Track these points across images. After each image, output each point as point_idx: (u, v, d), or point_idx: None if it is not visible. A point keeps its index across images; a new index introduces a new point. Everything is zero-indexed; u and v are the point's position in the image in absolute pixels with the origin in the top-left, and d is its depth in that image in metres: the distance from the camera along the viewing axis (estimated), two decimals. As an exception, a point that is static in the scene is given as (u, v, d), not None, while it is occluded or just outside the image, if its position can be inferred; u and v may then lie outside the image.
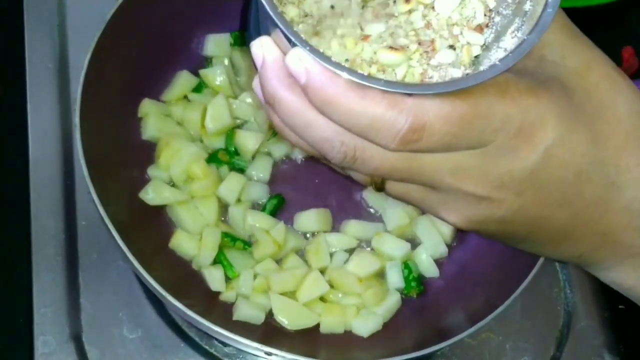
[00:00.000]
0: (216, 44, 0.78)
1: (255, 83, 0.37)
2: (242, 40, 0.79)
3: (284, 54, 0.34)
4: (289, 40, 0.33)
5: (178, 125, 0.74)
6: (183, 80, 0.76)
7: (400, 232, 0.73)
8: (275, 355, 0.58)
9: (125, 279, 0.71)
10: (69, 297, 0.69)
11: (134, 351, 0.68)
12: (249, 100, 0.76)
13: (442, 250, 0.73)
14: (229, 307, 0.67)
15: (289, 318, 0.67)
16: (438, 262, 0.73)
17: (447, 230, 0.73)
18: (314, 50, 0.32)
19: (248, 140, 0.74)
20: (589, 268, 0.43)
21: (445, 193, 0.36)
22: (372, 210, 0.75)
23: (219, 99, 0.74)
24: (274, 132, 0.75)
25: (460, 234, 0.74)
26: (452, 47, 0.36)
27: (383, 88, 0.32)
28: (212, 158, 0.73)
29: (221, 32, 0.78)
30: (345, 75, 0.32)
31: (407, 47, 0.35)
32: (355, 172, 0.37)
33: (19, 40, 0.79)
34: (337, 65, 0.32)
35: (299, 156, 0.76)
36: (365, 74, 0.34)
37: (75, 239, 0.72)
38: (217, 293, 0.68)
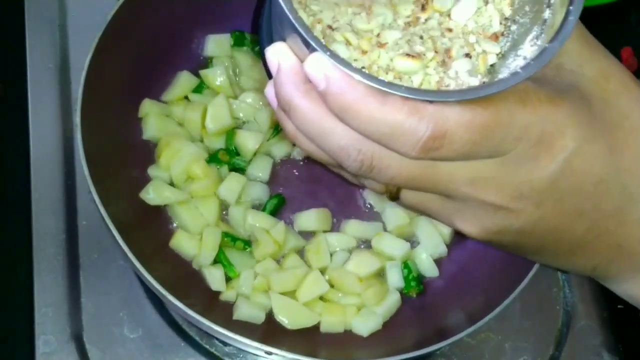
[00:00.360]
0: (216, 44, 0.78)
1: (268, 89, 0.37)
2: (243, 41, 0.79)
3: (300, 60, 0.34)
4: (307, 45, 0.33)
5: (178, 125, 0.74)
6: (183, 81, 0.76)
7: (400, 232, 0.73)
8: (276, 354, 0.58)
9: (126, 278, 0.71)
10: (69, 297, 0.69)
11: (134, 351, 0.68)
12: (249, 100, 0.76)
13: (442, 250, 0.73)
14: (229, 306, 0.67)
15: (289, 317, 0.67)
16: (438, 262, 0.73)
17: (446, 230, 0.73)
18: (334, 56, 0.32)
19: (248, 140, 0.74)
20: (603, 281, 0.43)
21: (462, 202, 0.36)
22: (371, 206, 0.75)
23: (220, 99, 0.74)
24: (274, 132, 0.76)
25: (459, 233, 0.74)
26: (468, 55, 0.36)
27: (405, 95, 0.31)
28: (213, 158, 0.73)
29: (221, 32, 0.78)
30: (366, 81, 0.31)
31: (424, 54, 0.35)
32: (370, 181, 0.37)
33: (19, 40, 0.79)
34: (358, 71, 0.32)
35: (298, 156, 0.76)
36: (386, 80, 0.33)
37: (76, 238, 0.72)
38: (218, 293, 0.68)
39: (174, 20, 0.74)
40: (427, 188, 0.35)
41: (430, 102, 0.32)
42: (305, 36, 0.32)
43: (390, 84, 0.32)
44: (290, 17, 0.32)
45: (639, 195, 0.38)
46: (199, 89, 0.76)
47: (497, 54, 0.36)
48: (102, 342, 0.68)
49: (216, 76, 0.76)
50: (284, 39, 0.35)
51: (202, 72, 0.77)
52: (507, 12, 0.37)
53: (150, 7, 0.70)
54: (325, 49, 0.32)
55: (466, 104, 0.32)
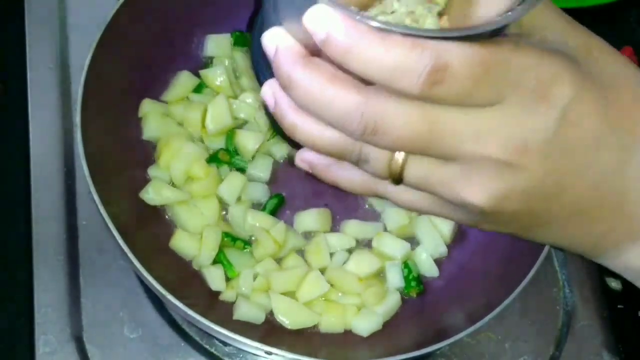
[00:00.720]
0: (216, 44, 0.78)
1: (264, 90, 0.37)
2: (243, 41, 0.79)
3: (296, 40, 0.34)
4: (302, 4, 0.33)
5: (178, 125, 0.74)
6: (183, 81, 0.76)
7: (400, 232, 0.73)
8: (276, 354, 0.58)
9: (126, 278, 0.71)
10: (69, 297, 0.69)
11: (134, 350, 0.68)
12: (249, 100, 0.76)
13: (442, 250, 0.73)
14: (229, 306, 0.67)
15: (289, 317, 0.67)
16: (438, 262, 0.73)
17: (446, 230, 0.73)
18: (332, 2, 0.32)
19: (248, 140, 0.74)
20: (604, 256, 0.42)
21: (467, 164, 0.35)
22: (371, 206, 0.75)
23: (220, 99, 0.74)
24: (274, 132, 0.76)
25: (459, 233, 0.75)
26: None
27: (404, 31, 0.32)
28: (213, 158, 0.73)
29: (221, 32, 0.78)
30: (367, 21, 0.32)
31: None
32: (373, 156, 0.36)
33: (19, 40, 0.79)
34: (357, 12, 0.32)
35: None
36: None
37: (76, 238, 0.72)
38: (218, 292, 0.68)
39: (174, 20, 0.74)
40: (431, 147, 0.35)
41: (431, 38, 0.33)
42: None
43: (390, 23, 0.32)
44: None
45: (635, 150, 0.38)
46: (199, 89, 0.76)
47: None
48: (102, 342, 0.68)
49: (216, 76, 0.76)
50: (279, 25, 0.36)
51: (202, 72, 0.77)
52: None
53: (150, 7, 0.70)
54: None
55: (464, 42, 0.33)
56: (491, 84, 0.33)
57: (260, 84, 0.39)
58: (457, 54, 0.32)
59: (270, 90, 0.37)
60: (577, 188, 0.37)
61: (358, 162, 0.37)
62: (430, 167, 0.36)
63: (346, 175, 0.39)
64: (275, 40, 0.36)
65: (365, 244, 0.74)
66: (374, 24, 0.32)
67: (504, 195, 0.36)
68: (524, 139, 0.35)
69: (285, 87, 0.35)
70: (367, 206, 0.75)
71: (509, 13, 0.34)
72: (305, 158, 0.40)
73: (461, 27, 0.34)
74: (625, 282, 0.77)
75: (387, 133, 0.34)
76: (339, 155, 0.37)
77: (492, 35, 0.34)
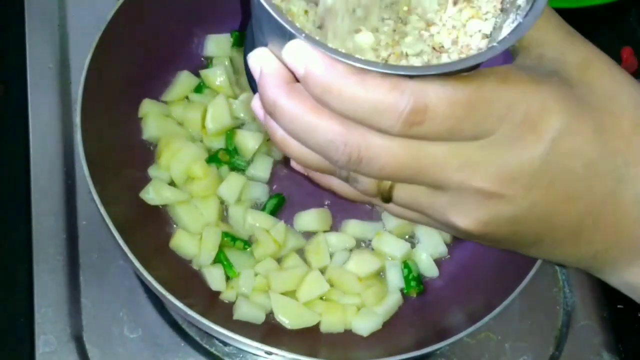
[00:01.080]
0: (216, 44, 0.78)
1: (254, 103, 0.37)
2: (243, 41, 0.79)
3: (281, 62, 0.34)
4: (284, 33, 0.33)
5: (178, 125, 0.74)
6: (183, 81, 0.76)
7: (400, 232, 0.73)
8: (276, 354, 0.58)
9: (126, 278, 0.71)
10: (69, 297, 0.69)
11: (134, 350, 0.68)
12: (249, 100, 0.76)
13: (442, 249, 0.73)
14: (229, 306, 0.67)
15: (290, 317, 0.67)
16: (437, 262, 0.73)
17: (446, 230, 0.73)
18: (309, 38, 0.32)
19: (248, 140, 0.74)
20: (601, 272, 0.42)
21: (454, 193, 0.35)
22: (371, 206, 0.75)
23: (219, 99, 0.74)
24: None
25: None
26: (455, 43, 0.36)
27: (383, 70, 0.32)
28: (212, 158, 0.73)
29: (221, 32, 0.78)
30: (344, 60, 0.32)
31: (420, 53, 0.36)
32: (361, 178, 0.36)
33: (19, 41, 0.79)
34: (335, 50, 0.32)
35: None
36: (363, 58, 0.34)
37: (76, 238, 0.72)
38: (218, 292, 0.68)
39: (174, 20, 0.74)
40: (416, 178, 0.35)
41: (410, 77, 0.32)
42: (280, 20, 0.32)
43: (367, 61, 0.32)
44: (264, 4, 0.32)
45: (631, 177, 0.37)
46: (199, 89, 0.76)
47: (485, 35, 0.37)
48: (102, 342, 0.68)
49: (216, 76, 0.76)
50: (265, 45, 0.36)
51: (202, 72, 0.77)
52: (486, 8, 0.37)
53: (150, 7, 0.70)
54: (301, 31, 0.32)
55: (447, 79, 0.32)
56: (473, 122, 0.33)
57: (252, 88, 0.39)
58: (436, 94, 0.32)
59: (259, 103, 0.37)
60: (568, 214, 0.37)
61: (348, 180, 0.37)
62: (418, 192, 0.36)
63: (340, 185, 0.39)
64: (260, 61, 0.35)
65: (365, 244, 0.74)
66: (353, 62, 0.32)
67: (490, 222, 0.36)
68: (510, 171, 0.34)
69: (269, 113, 0.35)
70: (367, 206, 0.75)
71: (492, 45, 0.33)
72: (295, 164, 0.39)
73: (442, 64, 0.34)
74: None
75: (371, 164, 0.34)
76: (329, 173, 0.37)
77: (473, 68, 0.33)
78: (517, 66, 0.35)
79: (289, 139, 0.36)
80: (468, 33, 0.37)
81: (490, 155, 0.34)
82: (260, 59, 0.35)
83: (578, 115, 0.35)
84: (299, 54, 0.33)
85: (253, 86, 0.38)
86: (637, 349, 0.75)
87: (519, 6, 0.35)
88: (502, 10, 0.37)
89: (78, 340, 0.68)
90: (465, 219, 0.36)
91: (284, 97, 0.34)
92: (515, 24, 0.35)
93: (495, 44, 0.33)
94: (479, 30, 0.37)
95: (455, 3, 0.37)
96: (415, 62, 0.36)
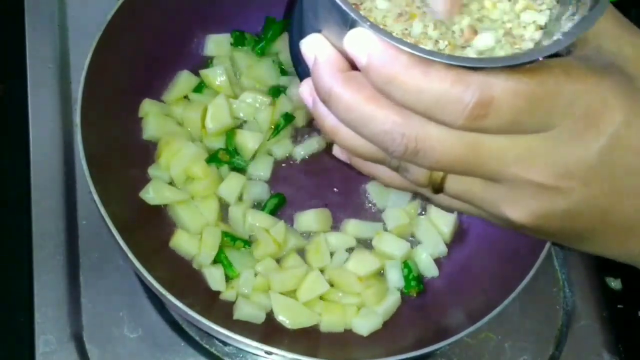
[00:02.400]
0: (216, 44, 0.78)
1: (302, 88, 0.37)
2: (243, 41, 0.79)
3: (336, 48, 0.34)
4: (345, 21, 0.32)
5: (178, 125, 0.74)
6: (183, 80, 0.76)
7: (400, 232, 0.73)
8: (276, 354, 0.58)
9: (126, 278, 0.71)
10: (69, 297, 0.69)
11: (134, 350, 0.68)
12: (249, 100, 0.76)
13: (442, 249, 0.73)
14: (229, 306, 0.67)
15: (290, 317, 0.67)
16: (438, 262, 0.73)
17: (446, 230, 0.73)
18: (374, 27, 0.31)
19: (248, 140, 0.74)
20: None
21: (509, 185, 0.35)
22: (371, 206, 0.75)
23: (220, 99, 0.74)
24: (274, 132, 0.76)
25: (459, 233, 0.75)
26: (508, 34, 0.36)
27: (448, 62, 0.31)
28: (212, 158, 0.73)
29: (221, 32, 0.78)
30: (409, 50, 0.31)
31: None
32: (412, 168, 0.36)
33: (19, 40, 0.79)
34: (400, 40, 0.31)
35: (299, 155, 0.76)
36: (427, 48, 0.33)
37: (76, 238, 0.72)
38: (218, 292, 0.68)
39: (174, 20, 0.74)
40: (472, 170, 0.34)
41: (475, 69, 0.32)
42: (344, 7, 0.31)
43: (433, 52, 0.31)
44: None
45: None
46: (199, 88, 0.76)
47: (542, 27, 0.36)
48: (102, 342, 0.68)
49: (216, 76, 0.76)
50: (318, 31, 0.35)
51: (202, 72, 0.77)
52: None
53: (150, 7, 0.70)
54: (365, 19, 0.31)
55: (512, 72, 0.32)
56: (537, 115, 0.32)
57: (298, 74, 0.38)
58: (502, 87, 0.31)
59: (308, 88, 0.36)
60: (623, 209, 0.37)
61: (398, 169, 0.37)
62: (471, 184, 0.36)
63: (386, 173, 0.38)
64: (315, 49, 0.35)
65: (365, 244, 0.74)
66: (418, 53, 0.31)
67: (545, 215, 0.36)
68: (568, 164, 0.34)
69: (324, 101, 0.35)
70: (367, 206, 0.75)
71: (558, 38, 0.32)
72: (339, 151, 0.39)
73: (508, 56, 0.33)
74: (625, 282, 0.78)
75: (427, 156, 0.34)
76: (379, 162, 0.37)
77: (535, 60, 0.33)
78: (577, 58, 0.35)
79: (340, 127, 0.35)
80: (522, 24, 0.36)
81: (549, 148, 0.34)
82: (314, 46, 0.35)
83: (638, 110, 0.35)
84: (362, 42, 0.32)
85: (299, 71, 0.37)
86: (637, 349, 0.75)
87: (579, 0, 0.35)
88: (558, 1, 0.37)
89: (78, 340, 0.68)
90: (519, 211, 0.36)
91: (340, 86, 0.33)
92: (577, 17, 0.34)
93: (560, 36, 0.32)
94: (534, 22, 0.36)
95: None
96: (483, 42, 0.35)
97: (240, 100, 0.76)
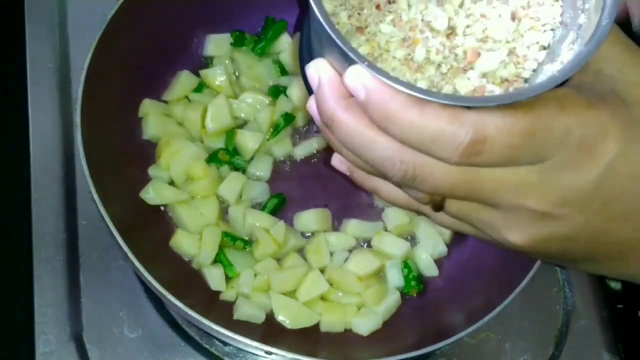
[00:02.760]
0: (216, 44, 0.78)
1: (310, 104, 0.38)
2: (243, 41, 0.79)
3: (340, 74, 0.34)
4: (345, 57, 0.33)
5: (178, 125, 0.74)
6: (184, 80, 0.76)
7: (400, 231, 0.73)
8: (276, 354, 0.58)
9: (126, 278, 0.71)
10: (69, 297, 0.69)
11: (134, 350, 0.68)
12: (249, 100, 0.76)
13: (442, 249, 0.73)
14: (229, 306, 0.67)
15: (290, 317, 0.67)
16: (438, 262, 0.73)
17: (446, 230, 0.73)
18: (372, 66, 0.32)
19: (248, 140, 0.74)
20: None
21: (507, 211, 0.36)
22: (371, 206, 0.75)
23: (220, 99, 0.74)
24: (274, 132, 0.76)
25: (459, 233, 0.75)
26: (512, 53, 0.36)
27: (443, 102, 0.32)
28: (212, 158, 0.73)
29: (221, 32, 0.78)
30: (405, 90, 0.32)
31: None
32: (414, 190, 0.37)
33: (19, 40, 0.79)
34: (396, 80, 0.32)
35: (299, 155, 0.76)
36: (424, 87, 0.34)
37: (76, 238, 0.72)
38: (218, 292, 0.68)
39: (174, 20, 0.74)
40: (470, 196, 0.35)
41: (469, 108, 0.32)
42: (344, 47, 0.33)
43: (428, 92, 0.32)
44: (327, 29, 0.33)
45: None
46: (199, 88, 0.76)
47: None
48: (102, 342, 0.68)
49: (216, 76, 0.76)
50: (323, 56, 0.36)
51: (202, 72, 0.77)
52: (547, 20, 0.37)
53: (150, 7, 0.70)
54: (363, 59, 0.32)
55: (506, 109, 0.32)
56: (531, 149, 0.33)
57: (307, 90, 0.38)
58: (496, 125, 0.32)
59: (315, 104, 0.37)
60: (622, 231, 0.37)
61: (401, 185, 0.37)
62: (470, 207, 0.37)
63: (387, 188, 0.39)
64: (319, 72, 0.35)
65: (365, 244, 0.74)
66: (414, 93, 0.32)
67: (543, 240, 0.37)
68: (563, 193, 0.35)
69: (327, 125, 0.36)
70: (367, 206, 0.75)
71: (553, 75, 0.33)
72: (339, 163, 0.40)
73: (502, 94, 0.34)
74: (625, 282, 0.78)
75: (426, 182, 0.34)
76: (382, 177, 0.37)
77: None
78: (574, 87, 0.35)
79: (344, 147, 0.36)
80: (525, 44, 0.37)
81: (544, 178, 0.34)
82: (318, 70, 0.36)
83: (634, 137, 0.35)
84: (360, 80, 0.33)
85: (308, 87, 0.38)
86: (638, 349, 0.75)
87: (580, 25, 0.35)
88: (561, 23, 0.37)
89: (78, 340, 0.68)
90: (517, 235, 0.36)
91: (342, 112, 0.34)
92: (576, 45, 0.35)
93: (556, 72, 0.33)
94: (537, 42, 0.37)
95: (513, 18, 0.37)
96: (486, 60, 0.36)
97: (240, 100, 0.76)
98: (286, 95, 0.77)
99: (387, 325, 0.69)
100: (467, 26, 0.37)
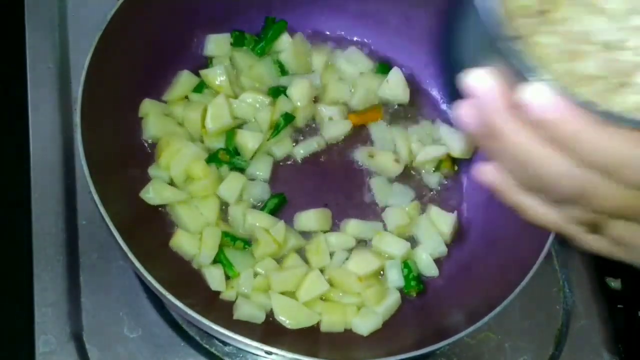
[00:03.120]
0: (216, 44, 0.78)
1: (465, 111, 0.35)
2: (243, 41, 0.79)
3: (506, 82, 0.33)
4: (519, 72, 0.31)
5: (178, 125, 0.74)
6: (184, 80, 0.76)
7: (400, 232, 0.73)
8: (276, 354, 0.58)
9: (126, 278, 0.71)
10: (69, 297, 0.69)
11: (134, 350, 0.68)
12: (249, 100, 0.76)
13: (442, 249, 0.73)
14: (229, 306, 0.67)
15: (290, 317, 0.67)
16: (438, 262, 0.73)
17: (446, 230, 0.73)
18: (554, 84, 0.31)
19: (248, 140, 0.74)
20: None
21: None
22: (371, 206, 0.75)
23: (220, 99, 0.74)
24: (274, 132, 0.76)
25: (459, 233, 0.75)
26: None
27: (634, 126, 0.30)
28: (212, 158, 0.73)
29: (221, 32, 0.78)
30: (592, 111, 0.30)
31: None
32: (572, 209, 0.35)
33: (19, 41, 0.79)
34: (581, 101, 0.31)
35: (299, 155, 0.76)
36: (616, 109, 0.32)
37: (76, 238, 0.72)
38: (218, 292, 0.68)
39: (174, 20, 0.74)
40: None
41: None
42: (523, 66, 0.31)
43: (622, 116, 0.30)
44: (508, 43, 0.31)
45: None
46: (199, 88, 0.76)
47: None
48: (102, 342, 0.68)
49: (216, 76, 0.76)
50: (486, 63, 0.34)
51: (203, 72, 0.77)
52: None
53: (151, 7, 0.70)
54: (548, 78, 0.31)
55: None
56: None
57: (449, 93, 0.37)
58: None
59: (470, 113, 0.35)
60: None
61: (561, 202, 0.35)
62: (637, 229, 0.35)
63: (533, 206, 0.37)
64: (484, 82, 0.34)
65: (365, 244, 0.73)
66: (600, 116, 0.30)
67: None
68: None
69: (487, 136, 0.34)
70: (367, 206, 0.75)
71: None
72: (490, 175, 0.37)
73: None
74: (625, 282, 0.78)
75: (596, 201, 0.33)
76: (541, 192, 0.35)
77: None
78: None
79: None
80: None
81: None
82: (484, 80, 0.34)
83: None
84: (542, 100, 0.31)
85: (450, 90, 0.36)
86: (637, 349, 0.75)
87: None
88: None
89: (78, 340, 0.68)
90: None
91: (510, 125, 0.33)
92: None
93: None
94: None
95: None
96: None
97: (240, 100, 0.76)
98: (286, 95, 0.77)
99: (387, 325, 0.69)
100: (628, 40, 0.35)
